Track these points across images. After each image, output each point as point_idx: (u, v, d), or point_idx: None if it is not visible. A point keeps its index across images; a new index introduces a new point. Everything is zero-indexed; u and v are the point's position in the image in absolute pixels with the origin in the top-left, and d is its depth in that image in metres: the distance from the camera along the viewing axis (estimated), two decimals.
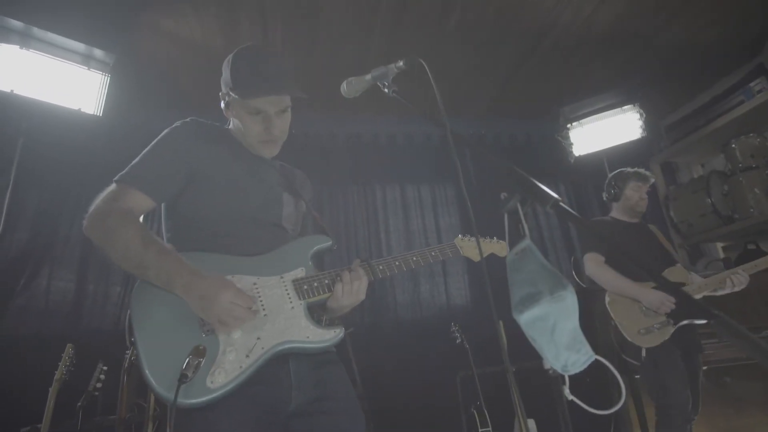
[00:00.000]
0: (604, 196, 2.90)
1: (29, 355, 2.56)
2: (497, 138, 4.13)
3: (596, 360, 0.91)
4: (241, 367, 1.08)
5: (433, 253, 1.47)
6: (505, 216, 0.92)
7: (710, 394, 2.60)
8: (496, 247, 1.66)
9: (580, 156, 3.61)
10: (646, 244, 2.67)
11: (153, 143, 1.29)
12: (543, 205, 0.81)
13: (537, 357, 0.96)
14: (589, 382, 1.77)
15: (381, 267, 1.37)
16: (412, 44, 3.02)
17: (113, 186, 1.22)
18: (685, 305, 2.23)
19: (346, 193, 3.69)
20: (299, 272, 1.27)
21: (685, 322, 2.33)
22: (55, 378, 2.26)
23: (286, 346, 1.16)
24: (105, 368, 2.42)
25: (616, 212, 2.82)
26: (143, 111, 3.17)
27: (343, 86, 1.26)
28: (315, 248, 1.35)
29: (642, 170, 2.79)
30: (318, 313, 1.37)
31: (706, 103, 3.84)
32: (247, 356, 1.10)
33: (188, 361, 1.03)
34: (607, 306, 2.46)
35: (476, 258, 1.57)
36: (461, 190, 3.84)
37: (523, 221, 0.89)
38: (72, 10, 2.50)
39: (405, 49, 3.03)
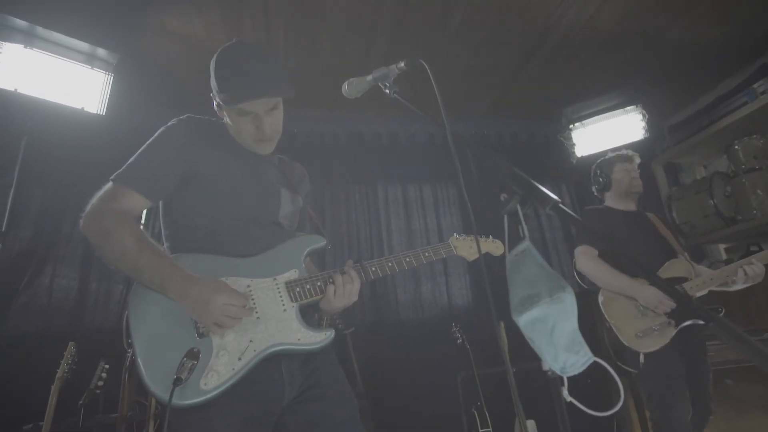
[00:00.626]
0: (594, 189, 2.76)
1: (32, 353, 2.57)
2: (500, 138, 4.12)
3: (596, 361, 0.91)
4: (233, 369, 1.11)
5: (426, 254, 1.47)
6: (505, 217, 0.92)
7: (711, 395, 2.59)
8: (491, 246, 1.65)
9: (582, 157, 3.60)
10: (644, 235, 2.46)
11: (149, 142, 1.28)
12: (543, 206, 0.81)
13: (537, 358, 0.97)
14: (590, 383, 1.76)
15: (373, 269, 1.37)
16: (414, 44, 3.02)
17: (110, 185, 1.22)
18: (682, 305, 2.08)
19: (348, 192, 3.69)
20: (292, 274, 1.28)
21: (688, 322, 2.11)
22: (57, 376, 2.27)
23: (278, 348, 1.17)
24: (107, 366, 2.43)
25: (610, 200, 2.66)
26: (146, 110, 3.17)
27: (345, 87, 1.26)
28: (308, 249, 1.35)
29: (624, 151, 2.69)
30: (316, 314, 1.38)
31: (709, 104, 3.82)
32: (239, 359, 1.12)
33: (182, 363, 1.05)
34: (601, 306, 2.28)
35: (470, 257, 1.57)
36: (461, 190, 3.83)
37: (523, 223, 0.89)
38: (76, 10, 2.51)
39: (407, 48, 3.03)
